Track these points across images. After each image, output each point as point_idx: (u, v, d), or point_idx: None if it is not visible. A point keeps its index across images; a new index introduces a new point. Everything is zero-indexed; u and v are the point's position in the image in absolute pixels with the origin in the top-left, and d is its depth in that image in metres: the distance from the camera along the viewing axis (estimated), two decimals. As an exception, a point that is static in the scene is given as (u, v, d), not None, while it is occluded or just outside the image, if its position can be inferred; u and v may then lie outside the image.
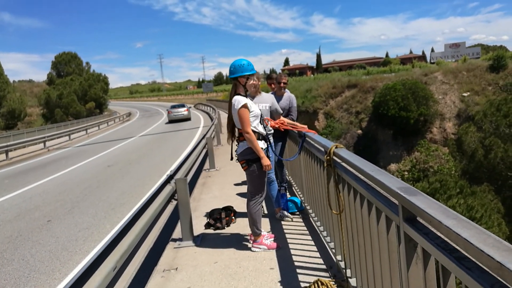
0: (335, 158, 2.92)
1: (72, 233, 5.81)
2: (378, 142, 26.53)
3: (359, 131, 27.96)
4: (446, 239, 1.33)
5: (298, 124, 4.64)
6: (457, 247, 1.28)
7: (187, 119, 28.63)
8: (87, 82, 52.95)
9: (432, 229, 1.43)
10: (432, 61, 48.82)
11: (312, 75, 60.44)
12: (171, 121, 28.53)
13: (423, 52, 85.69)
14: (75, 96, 49.60)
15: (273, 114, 4.68)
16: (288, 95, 5.21)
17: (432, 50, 74.00)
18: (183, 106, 29.87)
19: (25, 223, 6.59)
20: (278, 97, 5.09)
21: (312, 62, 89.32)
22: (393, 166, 24.96)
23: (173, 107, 29.88)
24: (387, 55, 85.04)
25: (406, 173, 23.17)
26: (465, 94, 26.64)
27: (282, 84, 5.15)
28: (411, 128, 24.50)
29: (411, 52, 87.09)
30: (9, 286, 4.22)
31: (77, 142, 22.74)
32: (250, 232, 4.03)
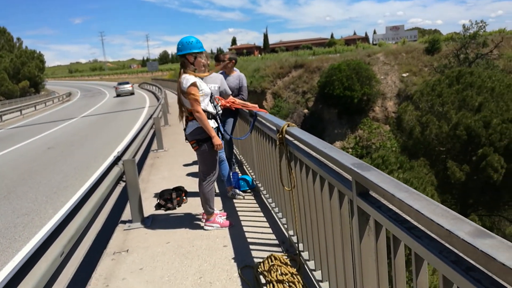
0: (287, 136, 2.96)
1: (9, 220, 5.46)
2: (324, 121, 27.34)
3: (306, 111, 28.60)
4: (398, 211, 1.40)
5: (249, 103, 4.63)
6: (408, 218, 1.35)
7: (131, 93, 34.21)
8: (19, 59, 49.02)
9: (385, 202, 1.50)
10: (374, 43, 50.72)
11: (259, 55, 60.46)
12: (118, 95, 34.04)
13: (366, 34, 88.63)
14: (6, 74, 45.82)
15: (222, 95, 4.62)
16: (237, 74, 5.15)
17: (374, 32, 76.73)
18: (127, 83, 35.76)
19: (-45, 211, 6.08)
20: (227, 77, 5.02)
21: (260, 42, 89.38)
22: (337, 144, 25.92)
23: (120, 84, 35.75)
24: (332, 36, 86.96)
25: (350, 150, 24.18)
26: (404, 75, 28.03)
27: (228, 62, 5.02)
28: (355, 107, 25.47)
29: (354, 34, 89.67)
30: None
31: (11, 124, 21.19)
32: (202, 212, 4.01)
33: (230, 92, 4.73)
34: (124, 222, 4.32)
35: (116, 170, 4.19)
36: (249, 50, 79.90)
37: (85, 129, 15.28)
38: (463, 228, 1.03)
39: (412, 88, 25.86)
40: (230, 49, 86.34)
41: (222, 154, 4.68)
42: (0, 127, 20.07)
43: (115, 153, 4.71)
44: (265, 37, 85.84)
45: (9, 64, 47.33)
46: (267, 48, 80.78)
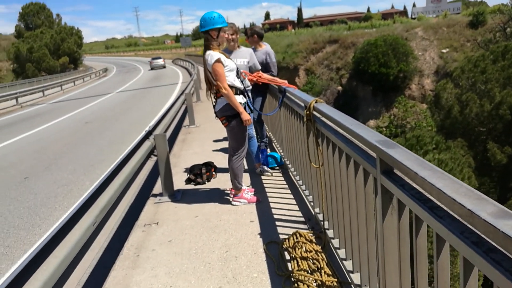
0: (314, 112, 2.92)
1: (51, 190, 5.76)
2: (357, 99, 26.74)
3: (339, 88, 28.03)
4: (421, 190, 1.37)
5: (277, 78, 4.57)
6: (430, 197, 1.31)
7: (163, 66, 39.81)
8: (59, 35, 50.49)
9: (408, 180, 1.46)
10: (413, 17, 48.47)
11: (293, 30, 59.31)
12: (152, 68, 39.70)
13: (404, 7, 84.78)
14: (47, 50, 47.42)
15: (252, 70, 4.57)
16: (265, 49, 5.05)
17: (414, 5, 73.16)
18: (160, 58, 42.43)
19: (1, 180, 6.48)
20: (254, 51, 4.93)
21: (293, 17, 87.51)
22: (371, 122, 25.35)
23: (153, 59, 42.31)
24: (368, 10, 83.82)
25: (384, 129, 23.61)
26: (444, 51, 26.76)
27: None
28: (390, 84, 24.69)
29: (392, 7, 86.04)
30: (-12, 243, 4.21)
31: (52, 99, 22.06)
32: (231, 187, 4.08)
33: (260, 67, 4.65)
34: (155, 195, 4.46)
35: (147, 145, 4.30)
36: (282, 25, 78.50)
37: (120, 104, 15.70)
38: (486, 208, 0.99)
39: (452, 65, 24.68)
40: (263, 24, 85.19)
41: (252, 131, 4.69)
42: (43, 101, 20.96)
43: (147, 128, 4.82)
44: (299, 12, 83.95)
45: (50, 40, 48.88)
46: (301, 22, 79.05)
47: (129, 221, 3.95)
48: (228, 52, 4.41)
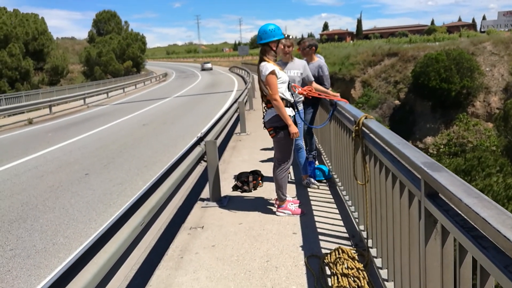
0: (363, 128, 2.88)
1: (107, 187, 6.12)
2: (415, 114, 25.70)
3: (397, 102, 27.13)
4: (465, 217, 1.31)
5: (329, 91, 4.53)
6: (475, 226, 1.26)
7: (210, 68, 55.12)
8: (125, 41, 53.60)
9: (453, 206, 1.41)
10: (482, 30, 45.89)
11: (351, 41, 58.42)
12: (202, 69, 55.08)
13: (473, 20, 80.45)
14: (114, 55, 50.49)
15: (305, 82, 4.58)
16: (318, 62, 5.01)
17: (484, 18, 69.32)
18: (209, 62, 59.97)
19: (65, 175, 6.98)
20: (286, 64, 4.78)
21: (352, 28, 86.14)
22: (429, 139, 24.24)
23: (204, 63, 59.33)
24: (432, 23, 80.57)
25: (442, 147, 22.48)
26: (515, 67, 25.04)
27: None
28: (451, 100, 23.51)
29: (459, 20, 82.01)
30: (50, 232, 4.55)
31: (115, 100, 23.42)
32: (276, 197, 4.10)
33: (313, 79, 4.62)
34: (203, 199, 4.59)
35: (198, 150, 4.45)
36: (340, 36, 77.66)
37: (177, 108, 16.32)
38: (532, 244, 0.94)
39: (524, 82, 23.05)
40: (321, 35, 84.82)
41: (301, 142, 4.69)
42: (106, 102, 22.33)
43: (199, 134, 4.99)
44: (359, 23, 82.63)
45: (117, 46, 52.01)
46: (360, 34, 77.75)
47: (176, 223, 4.10)
48: (283, 63, 4.47)
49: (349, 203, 3.86)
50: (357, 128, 2.94)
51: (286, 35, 4.44)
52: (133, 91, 30.39)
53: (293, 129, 3.73)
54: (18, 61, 37.81)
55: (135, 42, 54.87)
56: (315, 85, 4.54)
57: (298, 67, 4.50)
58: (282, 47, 3.90)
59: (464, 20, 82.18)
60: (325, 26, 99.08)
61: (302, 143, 4.71)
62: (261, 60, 3.80)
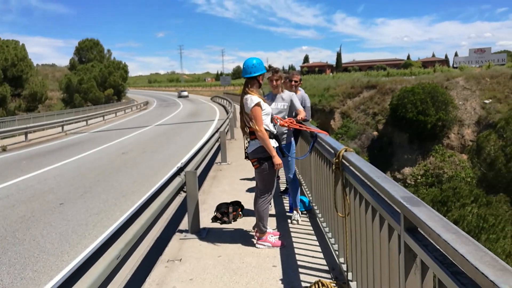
0: (344, 161, 2.91)
1: (82, 218, 5.93)
2: (393, 145, 26.23)
3: (375, 133, 27.68)
4: (444, 253, 1.32)
5: (312, 126, 4.54)
6: (454, 262, 1.26)
7: (187, 96, 61.71)
8: (107, 69, 53.54)
9: (432, 241, 1.41)
10: (455, 66, 47.89)
11: (331, 74, 59.98)
12: (179, 96, 61.29)
13: (446, 56, 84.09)
14: (95, 82, 50.24)
15: (294, 112, 4.60)
16: (300, 94, 5.13)
17: (456, 55, 72.51)
18: (185, 91, 66.55)
19: (39, 204, 6.75)
20: (276, 95, 4.87)
21: (332, 61, 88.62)
22: (407, 170, 24.66)
23: (181, 91, 65.73)
24: (408, 58, 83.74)
25: (419, 177, 22.88)
26: (486, 101, 26.07)
27: (293, 83, 5.07)
28: (428, 132, 24.15)
29: (433, 56, 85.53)
30: (18, 266, 4.34)
31: (94, 128, 23.11)
32: (256, 229, 4.05)
33: (301, 108, 4.61)
34: (181, 231, 4.49)
35: (177, 181, 4.39)
36: (321, 68, 79.67)
37: (157, 137, 16.20)
38: (509, 281, 0.94)
39: (496, 116, 23.94)
40: (301, 67, 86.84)
41: (290, 174, 4.68)
42: (85, 130, 22.00)
43: (179, 164, 4.94)
44: (338, 56, 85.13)
45: (98, 73, 51.85)
46: (339, 67, 79.97)
47: (153, 255, 3.98)
48: (272, 95, 4.56)
49: (329, 235, 3.85)
50: (337, 160, 2.97)
51: (275, 69, 4.55)
52: (113, 119, 30.10)
53: (277, 160, 3.74)
54: (-5, 87, 37.14)
55: (117, 70, 54.88)
56: (301, 112, 4.54)
57: (286, 99, 4.56)
58: (273, 81, 4.00)
59: (437, 56, 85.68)
60: (306, 59, 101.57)
61: (293, 173, 4.70)
62: (245, 92, 3.85)
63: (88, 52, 56.40)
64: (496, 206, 14.45)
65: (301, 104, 4.98)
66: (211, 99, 50.42)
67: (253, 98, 3.76)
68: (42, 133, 20.40)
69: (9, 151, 14.98)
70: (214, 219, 4.83)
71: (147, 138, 15.97)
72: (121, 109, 35.55)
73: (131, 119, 28.46)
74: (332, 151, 3.30)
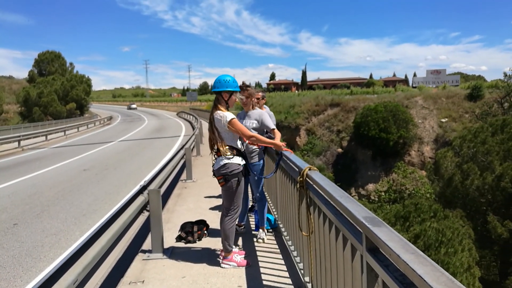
0: (308, 180, 2.94)
1: (38, 239, 5.64)
2: (357, 162, 26.87)
3: (340, 150, 28.29)
4: (404, 273, 1.35)
5: (278, 142, 4.52)
6: (413, 282, 1.29)
7: (135, 108, 71.51)
8: (69, 82, 52.01)
9: (392, 261, 1.44)
10: (414, 86, 50.11)
11: (297, 91, 61.11)
12: (129, 109, 70.29)
13: (406, 76, 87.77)
14: (56, 96, 48.61)
15: (265, 130, 4.61)
16: (265, 111, 5.13)
17: (415, 75, 75.91)
18: (134, 103, 76.92)
19: (-10, 225, 6.36)
20: (247, 113, 4.71)
21: (298, 79, 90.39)
22: (371, 186, 25.28)
23: (131, 104, 75.87)
24: (371, 77, 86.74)
25: (383, 193, 23.49)
26: (443, 120, 27.35)
27: (256, 100, 4.90)
28: (390, 149, 24.96)
29: (394, 75, 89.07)
30: (-34, 292, 4.05)
31: (54, 143, 22.24)
32: (221, 248, 3.99)
33: (273, 127, 4.57)
34: (144, 251, 4.36)
35: (140, 199, 4.28)
36: (286, 86, 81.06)
37: (120, 153, 15.80)
38: (464, 303, 0.97)
39: (451, 134, 25.11)
40: (268, 84, 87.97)
41: (262, 190, 4.67)
42: (45, 145, 21.11)
43: (142, 182, 4.82)
44: (304, 74, 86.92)
45: (60, 87, 50.23)
46: (304, 85, 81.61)
47: (114, 277, 3.83)
48: (244, 113, 4.57)
49: (295, 253, 3.85)
50: (301, 179, 3.00)
51: (245, 85, 4.58)
52: (75, 134, 29.13)
53: (278, 146, 4.00)
54: None
55: (79, 84, 53.42)
56: (276, 132, 4.53)
57: (255, 117, 4.57)
58: (235, 98, 3.99)
59: (398, 75, 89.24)
60: (272, 76, 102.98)
61: (262, 191, 4.69)
62: (215, 108, 3.84)
63: (49, 64, 54.71)
64: (453, 220, 15.02)
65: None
66: (177, 114, 49.93)
67: (226, 114, 3.76)
68: (-4, 148, 19.40)
69: (-41, 167, 14.11)
70: (179, 238, 4.72)
71: (110, 154, 15.53)
72: (83, 124, 34.49)
73: (94, 135, 27.65)
74: (297, 169, 3.33)
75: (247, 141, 4.34)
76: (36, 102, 47.26)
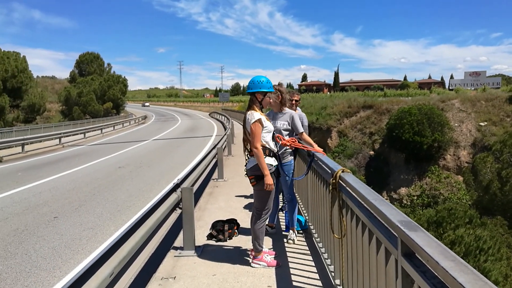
0: (341, 182, 2.91)
1: (76, 232, 5.86)
2: (389, 165, 26.25)
3: (372, 152, 27.73)
4: (443, 280, 1.31)
5: (314, 145, 4.50)
6: (452, 290, 1.25)
7: (148, 106, 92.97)
8: (106, 82, 53.76)
9: (430, 268, 1.41)
10: (450, 88, 48.45)
11: (328, 93, 60.49)
12: (143, 106, 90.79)
13: (442, 78, 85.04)
14: (94, 96, 50.37)
15: (295, 132, 4.62)
16: (298, 113, 5.12)
17: (452, 77, 73.43)
18: (147, 102, 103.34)
19: (33, 217, 6.68)
20: (277, 114, 4.74)
21: (330, 80, 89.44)
22: (403, 190, 24.63)
23: (144, 102, 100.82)
24: (405, 79, 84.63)
25: (416, 198, 22.85)
26: (482, 124, 26.26)
27: (293, 102, 5.15)
28: (424, 153, 24.21)
29: (430, 77, 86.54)
30: (9, 280, 4.26)
31: (92, 141, 23.05)
32: (252, 248, 4.01)
33: (301, 130, 4.61)
34: (176, 248, 4.44)
35: (173, 197, 4.37)
36: (318, 87, 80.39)
37: (154, 151, 16.17)
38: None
39: (491, 139, 24.08)
40: (299, 85, 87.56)
41: (293, 191, 4.67)
42: (83, 143, 21.93)
43: (175, 180, 4.92)
44: (336, 75, 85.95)
45: (98, 87, 52.04)
46: (337, 86, 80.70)
47: (147, 272, 3.93)
48: (273, 113, 4.60)
49: (325, 255, 3.82)
50: (334, 181, 2.97)
51: (278, 85, 4.59)
52: (111, 132, 30.08)
53: (268, 179, 3.72)
54: (-6, 97, 37.18)
55: (116, 84, 55.10)
56: (304, 136, 4.58)
57: (285, 118, 4.59)
58: (269, 99, 4.01)
59: (433, 77, 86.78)
60: (304, 77, 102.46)
61: (293, 193, 4.68)
62: (249, 108, 3.88)
63: (88, 65, 56.77)
64: (491, 228, 14.42)
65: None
66: (209, 114, 50.57)
67: (254, 115, 3.79)
68: (39, 144, 20.33)
69: (5, 162, 14.89)
70: (210, 236, 4.79)
71: (144, 153, 15.93)
72: (119, 123, 35.58)
73: (129, 133, 28.44)
74: (329, 171, 3.30)
75: (280, 142, 4.35)
76: (76, 101, 49.18)
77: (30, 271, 4.49)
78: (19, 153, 17.37)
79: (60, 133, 21.84)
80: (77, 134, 24.78)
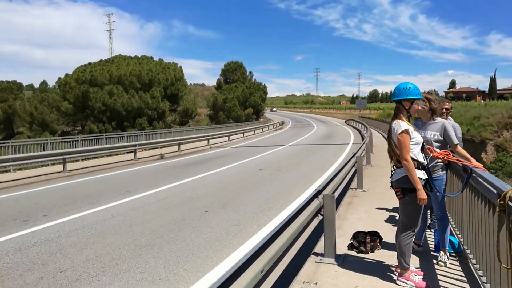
0: (510, 203, 2.57)
1: (224, 227, 6.41)
2: None
3: (539, 171, 23.59)
4: None
5: (471, 159, 4.05)
6: None
7: (275, 110, 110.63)
8: (248, 89, 57.74)
9: None
10: None
11: (482, 101, 53.73)
12: (270, 110, 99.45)
13: None
14: (237, 102, 54.60)
15: (448, 143, 4.27)
16: (450, 123, 4.66)
17: None
18: (275, 107, 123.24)
19: (188, 210, 7.55)
20: (426, 123, 4.40)
21: (484, 87, 79.31)
22: None
23: (272, 108, 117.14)
24: None
25: None
26: None
27: (444, 110, 4.74)
28: None
29: None
30: (172, 262, 4.90)
31: (235, 143, 24.95)
32: (396, 264, 3.82)
33: (456, 142, 4.23)
34: (317, 254, 4.51)
35: (315, 203, 4.44)
36: (469, 95, 72.15)
37: (291, 156, 16.66)
38: None
39: None
40: (446, 92, 79.90)
41: (444, 209, 4.31)
42: (227, 145, 23.92)
43: (315, 186, 5.00)
44: (492, 81, 75.85)
45: (240, 93, 56.28)
46: (493, 93, 71.15)
47: (288, 275, 4.08)
48: (422, 123, 4.34)
49: (488, 286, 3.39)
50: (502, 202, 2.64)
51: (427, 92, 4.33)
52: (251, 136, 32.10)
53: (421, 194, 3.49)
54: (158, 102, 43.36)
55: (257, 91, 58.71)
56: (459, 149, 4.20)
57: (437, 128, 4.27)
58: (417, 106, 3.77)
59: None
60: (452, 84, 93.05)
61: (444, 211, 4.31)
62: (395, 117, 3.72)
63: (232, 73, 61.79)
64: None
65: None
66: (345, 122, 49.83)
67: (401, 124, 3.61)
68: (191, 145, 22.93)
69: (165, 158, 17.22)
70: (351, 246, 4.72)
71: (282, 157, 16.55)
72: (259, 128, 37.75)
73: (268, 138, 29.90)
74: (494, 190, 2.95)
75: (431, 154, 4.05)
76: (222, 106, 54.05)
77: (187, 257, 5.09)
78: (176, 151, 19.86)
79: (209, 135, 24.22)
80: (222, 136, 27.16)
